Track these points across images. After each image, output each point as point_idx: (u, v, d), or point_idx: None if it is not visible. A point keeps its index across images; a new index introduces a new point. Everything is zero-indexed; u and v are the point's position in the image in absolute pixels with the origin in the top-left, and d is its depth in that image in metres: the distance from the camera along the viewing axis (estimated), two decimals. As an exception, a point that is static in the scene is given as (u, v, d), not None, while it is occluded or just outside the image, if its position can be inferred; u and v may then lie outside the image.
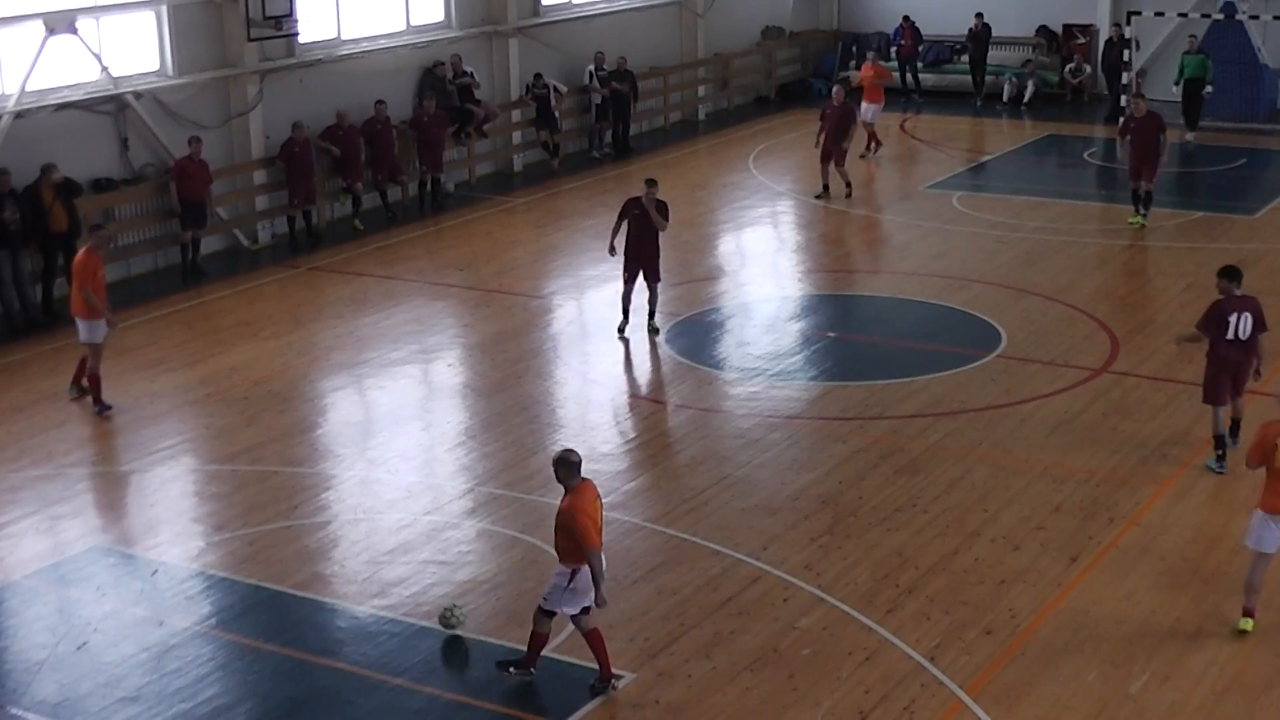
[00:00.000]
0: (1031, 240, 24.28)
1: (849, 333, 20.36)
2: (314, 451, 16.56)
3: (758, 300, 21.80)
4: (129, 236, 22.97)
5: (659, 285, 19.85)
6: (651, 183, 19.74)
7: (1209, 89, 31.41)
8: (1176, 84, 31.52)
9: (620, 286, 19.82)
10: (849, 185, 27.22)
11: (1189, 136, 31.07)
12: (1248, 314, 15.07)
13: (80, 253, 17.90)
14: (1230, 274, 15.15)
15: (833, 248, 24.64)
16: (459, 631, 12.42)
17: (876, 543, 13.98)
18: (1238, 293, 15.13)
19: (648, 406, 17.82)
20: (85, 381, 17.79)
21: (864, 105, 30.29)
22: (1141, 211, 24.59)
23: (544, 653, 11.91)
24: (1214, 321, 15.09)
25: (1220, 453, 15.45)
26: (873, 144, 30.40)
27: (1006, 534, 14.10)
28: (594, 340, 20.32)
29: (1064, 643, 12.19)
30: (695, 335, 20.07)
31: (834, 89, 28.01)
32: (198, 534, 14.50)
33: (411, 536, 14.29)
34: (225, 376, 18.78)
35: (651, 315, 19.93)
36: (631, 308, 19.77)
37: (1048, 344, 19.27)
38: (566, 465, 11.38)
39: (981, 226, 25.30)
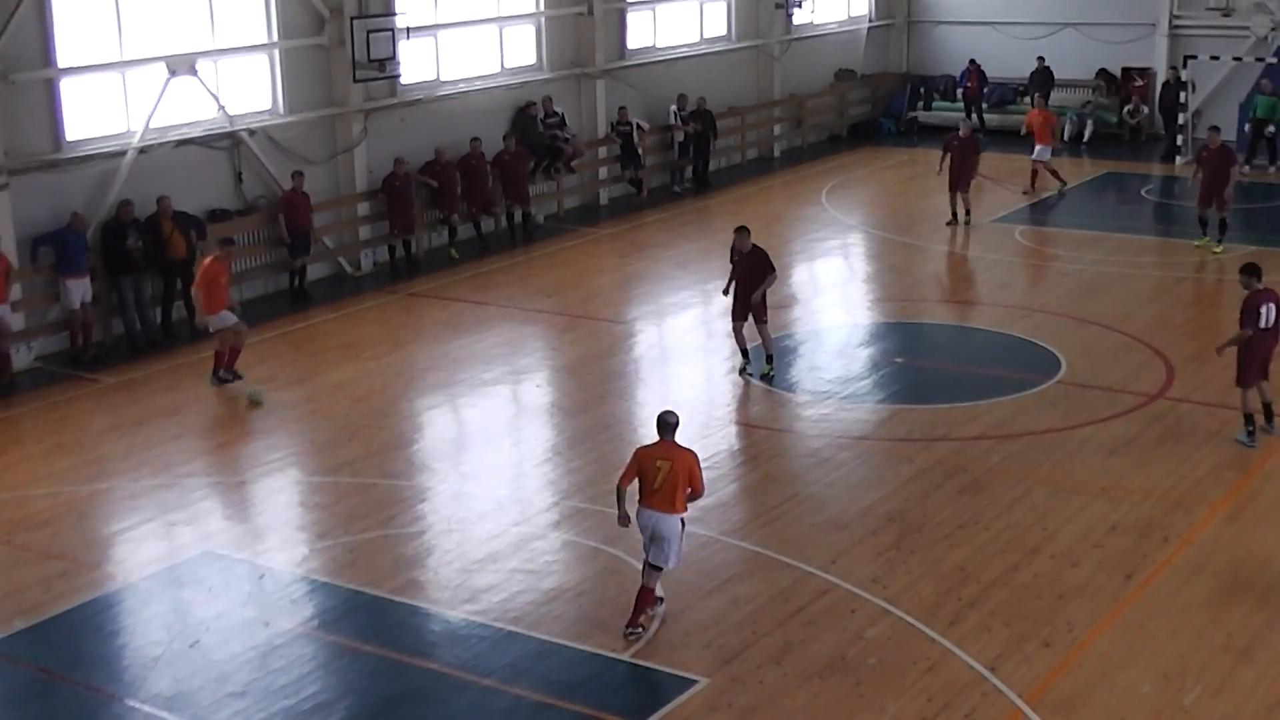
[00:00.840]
0: (1091, 272, 24.04)
1: (915, 358, 20.22)
2: (411, 465, 16.66)
3: (829, 327, 21.72)
4: (242, 263, 23.17)
5: (766, 326, 19.19)
6: (742, 230, 18.95)
7: (1271, 128, 31.08)
8: (1249, 121, 31.21)
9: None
10: (969, 212, 27.29)
11: (1267, 167, 30.76)
12: (1272, 304, 16.22)
13: (207, 260, 19.01)
14: (1251, 270, 16.34)
15: (900, 278, 24.50)
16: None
17: (940, 558, 13.87)
18: (1260, 286, 16.21)
19: (724, 427, 17.78)
20: (223, 372, 19.11)
21: (1037, 147, 29.94)
22: (1217, 238, 24.72)
23: (619, 656, 11.96)
24: (1251, 314, 16.08)
25: (1250, 428, 16.39)
26: (1054, 180, 30.08)
27: (1065, 551, 13.94)
28: (674, 364, 20.32)
29: (1120, 655, 12.04)
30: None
31: (960, 122, 28.71)
32: (302, 541, 14.62)
33: (501, 546, 14.33)
34: (329, 394, 18.94)
35: (768, 359, 19.13)
36: (748, 347, 19.31)
37: (1106, 371, 19.06)
38: (657, 423, 12.52)
39: (1043, 259, 25.09)
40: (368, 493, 15.73)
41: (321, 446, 17.16)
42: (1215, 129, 25.13)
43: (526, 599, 13.22)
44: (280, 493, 16.03)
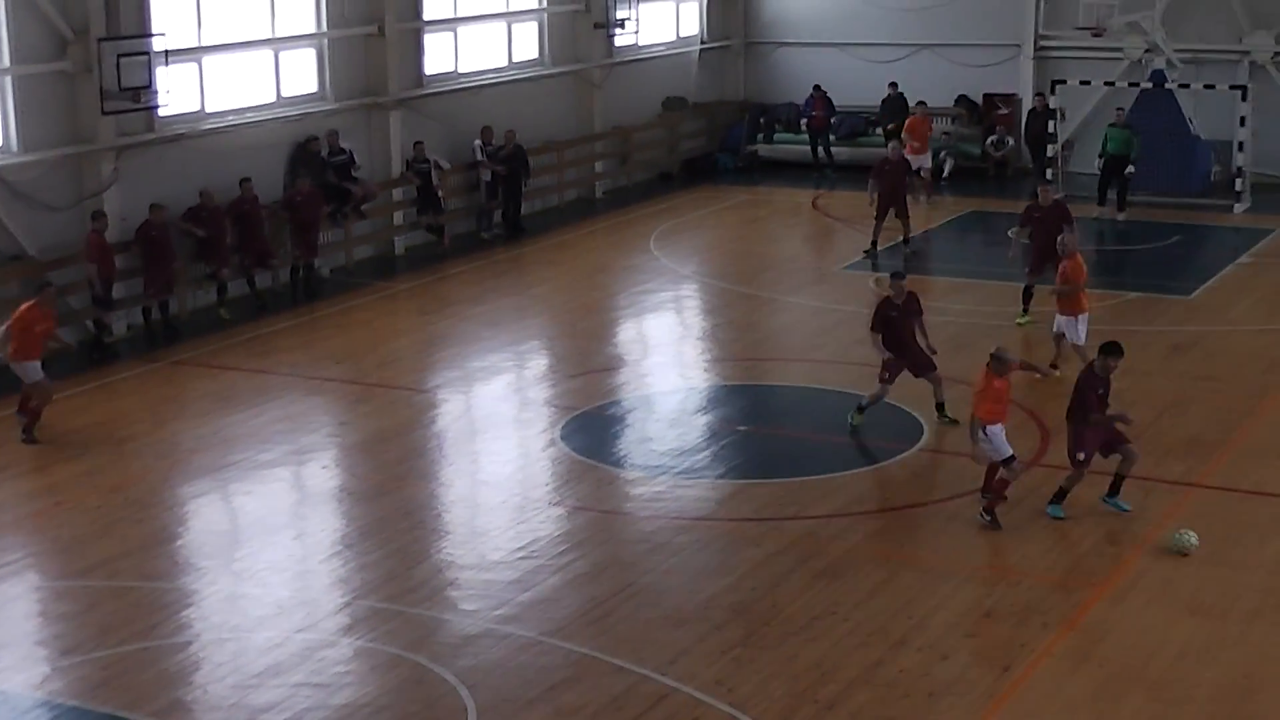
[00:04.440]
0: (956, 325, 24.50)
1: (761, 426, 20.41)
2: (175, 564, 16.32)
3: (661, 392, 21.83)
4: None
5: (936, 374, 19.86)
6: (897, 276, 20.00)
7: (1131, 169, 31.77)
8: (1100, 156, 32.03)
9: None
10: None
11: (1119, 216, 31.61)
12: None
13: (24, 306, 19.97)
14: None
15: (742, 334, 24.74)
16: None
17: (794, 654, 13.94)
18: None
19: (543, 509, 17.69)
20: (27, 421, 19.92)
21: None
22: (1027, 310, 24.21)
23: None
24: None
25: None
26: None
27: (934, 642, 14.12)
28: (484, 438, 20.23)
29: (999, 760, 12.21)
30: (594, 431, 20.04)
31: (890, 145, 30.37)
32: (43, 658, 14.18)
33: (283, 657, 14.07)
34: (77, 483, 18.49)
35: (940, 406, 19.91)
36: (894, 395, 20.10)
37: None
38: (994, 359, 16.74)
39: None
40: (124, 598, 15.35)
41: (67, 545, 16.72)
42: (1048, 183, 25.16)
43: (315, 717, 12.98)
44: (16, 601, 15.54)
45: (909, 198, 29.35)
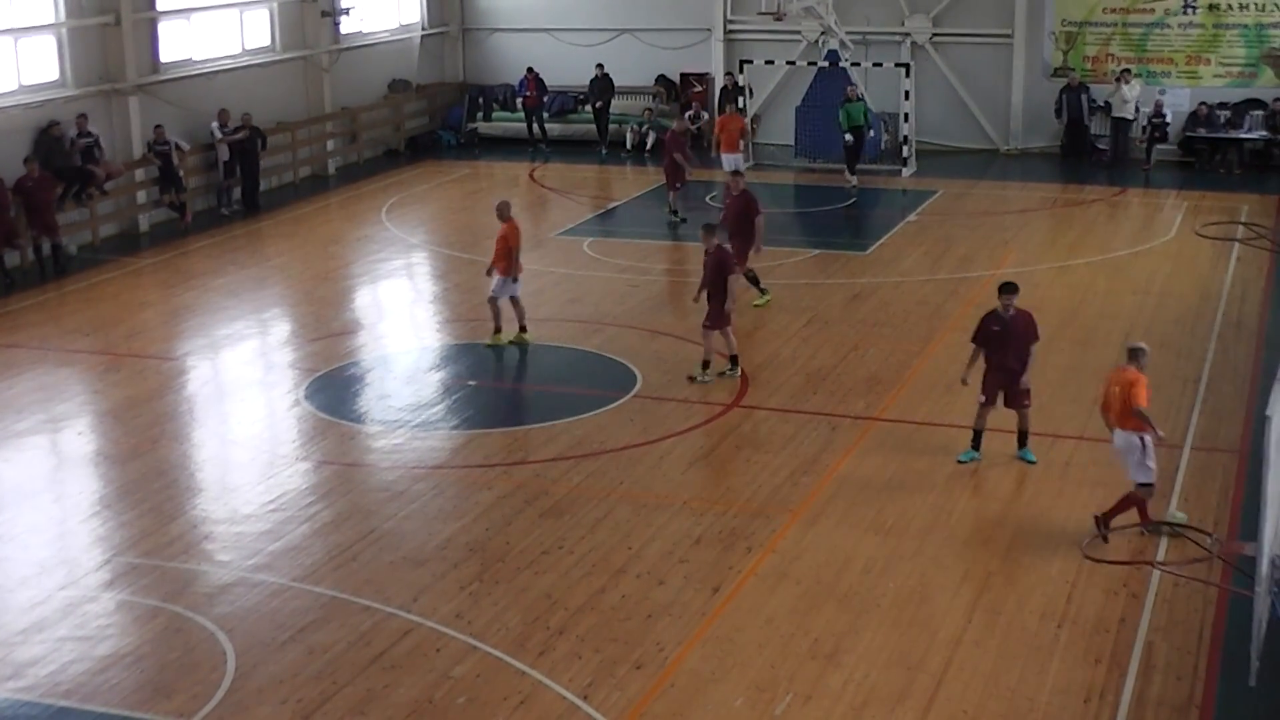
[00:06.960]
0: (660, 283, 24.84)
1: (489, 380, 20.43)
2: (-64, 531, 15.68)
3: (397, 352, 21.67)
4: None
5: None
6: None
7: (872, 132, 32.70)
8: (845, 132, 32.18)
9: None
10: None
11: (853, 180, 32.13)
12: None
13: None
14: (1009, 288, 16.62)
15: (469, 297, 24.64)
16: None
17: (526, 586, 14.04)
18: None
19: (290, 465, 17.44)
20: None
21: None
22: (760, 289, 23.18)
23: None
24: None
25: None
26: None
27: (651, 569, 14.35)
28: (231, 400, 19.84)
29: (711, 671, 12.47)
30: (335, 390, 19.81)
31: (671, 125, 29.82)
32: None
33: (46, 613, 13.64)
34: None
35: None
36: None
37: (681, 383, 19.70)
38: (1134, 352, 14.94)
39: (612, 271, 25.74)
40: (-114, 566, 14.71)
41: None
42: (737, 174, 24.16)
43: (79, 669, 12.64)
44: None
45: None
